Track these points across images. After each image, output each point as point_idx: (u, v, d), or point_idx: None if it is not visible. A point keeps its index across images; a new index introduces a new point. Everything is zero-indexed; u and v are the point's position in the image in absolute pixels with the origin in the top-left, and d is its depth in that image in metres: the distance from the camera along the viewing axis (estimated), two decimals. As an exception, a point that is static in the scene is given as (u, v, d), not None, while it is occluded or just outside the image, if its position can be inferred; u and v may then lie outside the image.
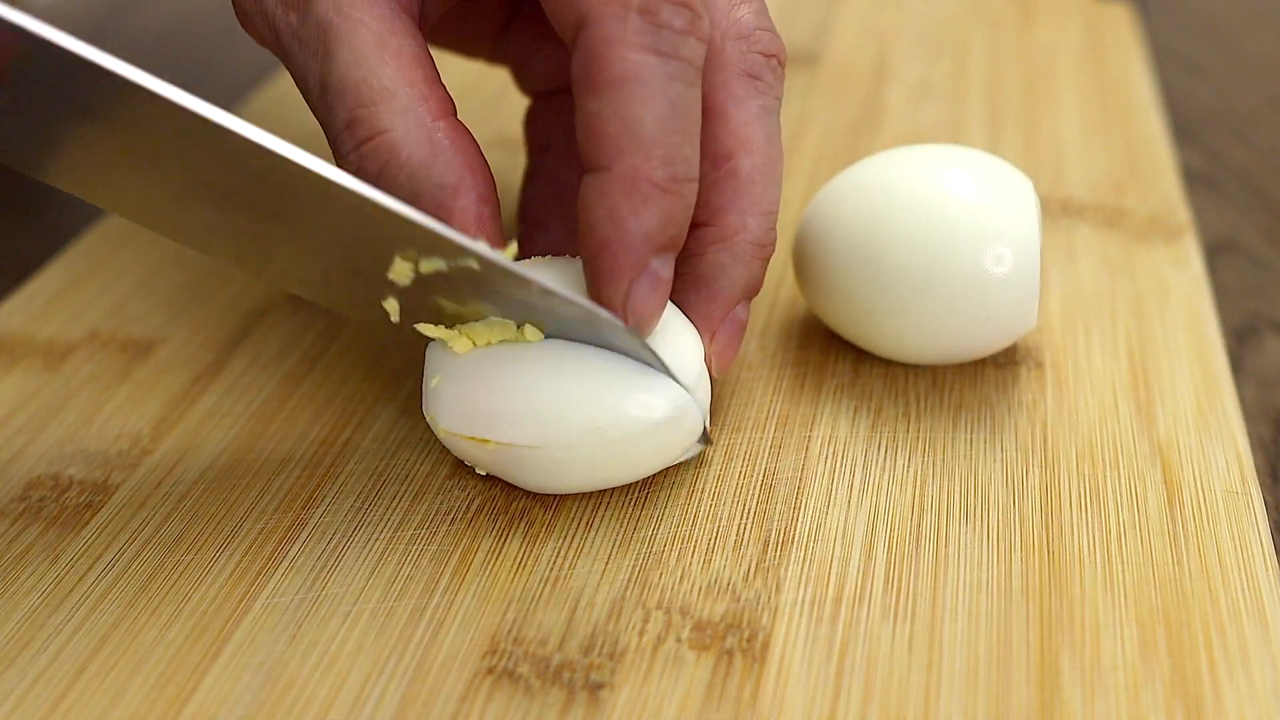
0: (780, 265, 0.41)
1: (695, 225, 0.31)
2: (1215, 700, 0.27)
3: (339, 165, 0.30)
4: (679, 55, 0.28)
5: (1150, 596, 0.29)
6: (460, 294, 0.29)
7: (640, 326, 0.29)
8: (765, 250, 0.32)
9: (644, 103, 0.27)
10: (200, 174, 0.27)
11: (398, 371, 0.36)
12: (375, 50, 0.29)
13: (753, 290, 0.32)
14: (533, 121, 0.39)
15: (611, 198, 0.28)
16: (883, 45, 0.57)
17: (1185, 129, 0.53)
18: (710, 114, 0.31)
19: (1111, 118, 0.50)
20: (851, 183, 0.35)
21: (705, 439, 0.31)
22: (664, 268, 0.29)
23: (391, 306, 0.30)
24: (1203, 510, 0.31)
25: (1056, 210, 0.44)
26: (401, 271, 0.29)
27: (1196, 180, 0.49)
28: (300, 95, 0.53)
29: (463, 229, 0.29)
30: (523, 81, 0.40)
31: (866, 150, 0.48)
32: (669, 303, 0.31)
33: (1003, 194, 0.33)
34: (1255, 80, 0.58)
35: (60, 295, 0.41)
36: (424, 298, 0.29)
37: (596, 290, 0.29)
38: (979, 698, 0.27)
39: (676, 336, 0.31)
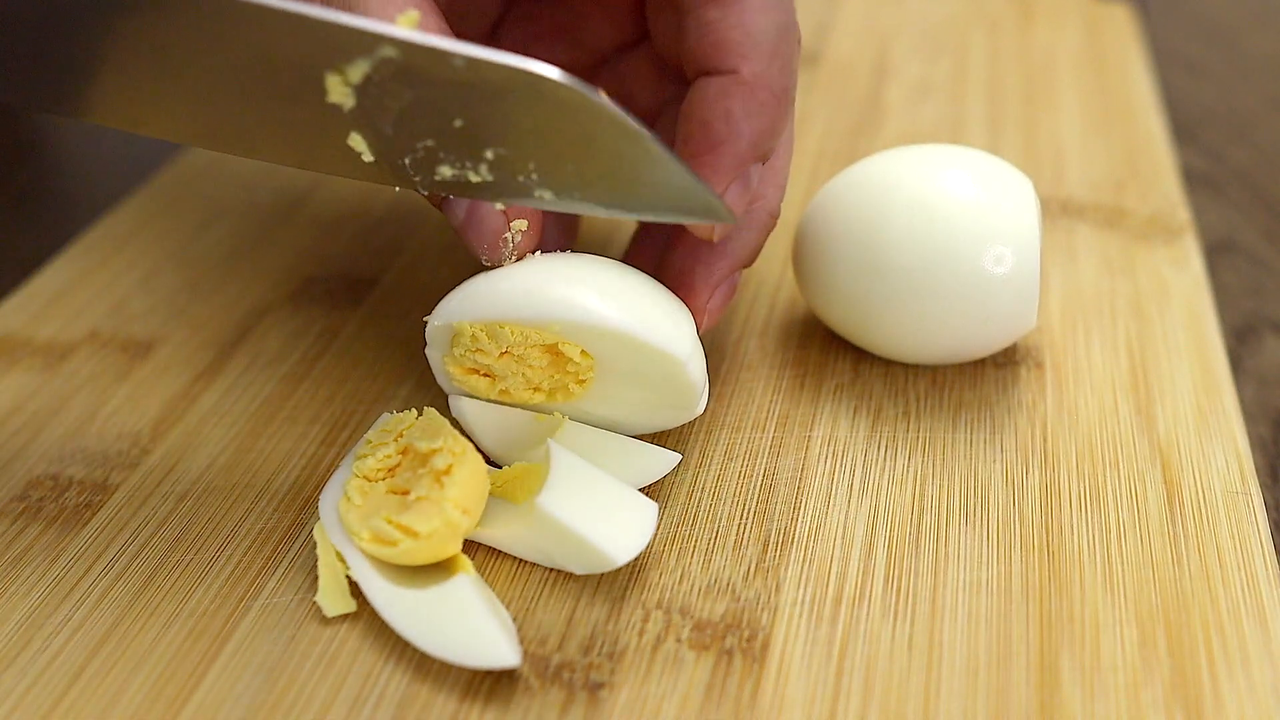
0: (780, 265, 0.41)
1: None
2: (1215, 700, 0.27)
3: None
4: None
5: (1150, 596, 0.29)
6: (406, 110, 0.27)
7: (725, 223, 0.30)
8: (773, 221, 0.33)
9: (765, 12, 0.29)
10: (140, 40, 0.27)
11: (398, 371, 0.36)
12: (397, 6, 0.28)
13: (752, 258, 0.33)
14: None
15: (731, 98, 0.29)
16: (883, 45, 0.57)
17: (1185, 129, 0.52)
18: None
19: (1111, 118, 0.50)
20: (851, 183, 0.35)
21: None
22: (755, 177, 0.30)
23: (357, 143, 0.28)
24: (1203, 510, 0.31)
25: (1056, 210, 0.44)
26: (337, 90, 0.27)
27: (1196, 180, 0.49)
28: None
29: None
30: None
31: (866, 150, 0.48)
32: (660, 285, 0.32)
33: (1003, 194, 0.33)
34: (1255, 80, 0.58)
35: (60, 295, 0.41)
36: (380, 129, 0.28)
37: None
38: (979, 698, 0.27)
39: (674, 312, 0.31)
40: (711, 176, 0.29)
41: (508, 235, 0.30)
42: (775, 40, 0.29)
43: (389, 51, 0.26)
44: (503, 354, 0.31)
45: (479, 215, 0.30)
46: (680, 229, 0.33)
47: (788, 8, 0.29)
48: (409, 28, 0.26)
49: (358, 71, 0.26)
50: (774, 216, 0.33)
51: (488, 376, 0.32)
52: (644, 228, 0.36)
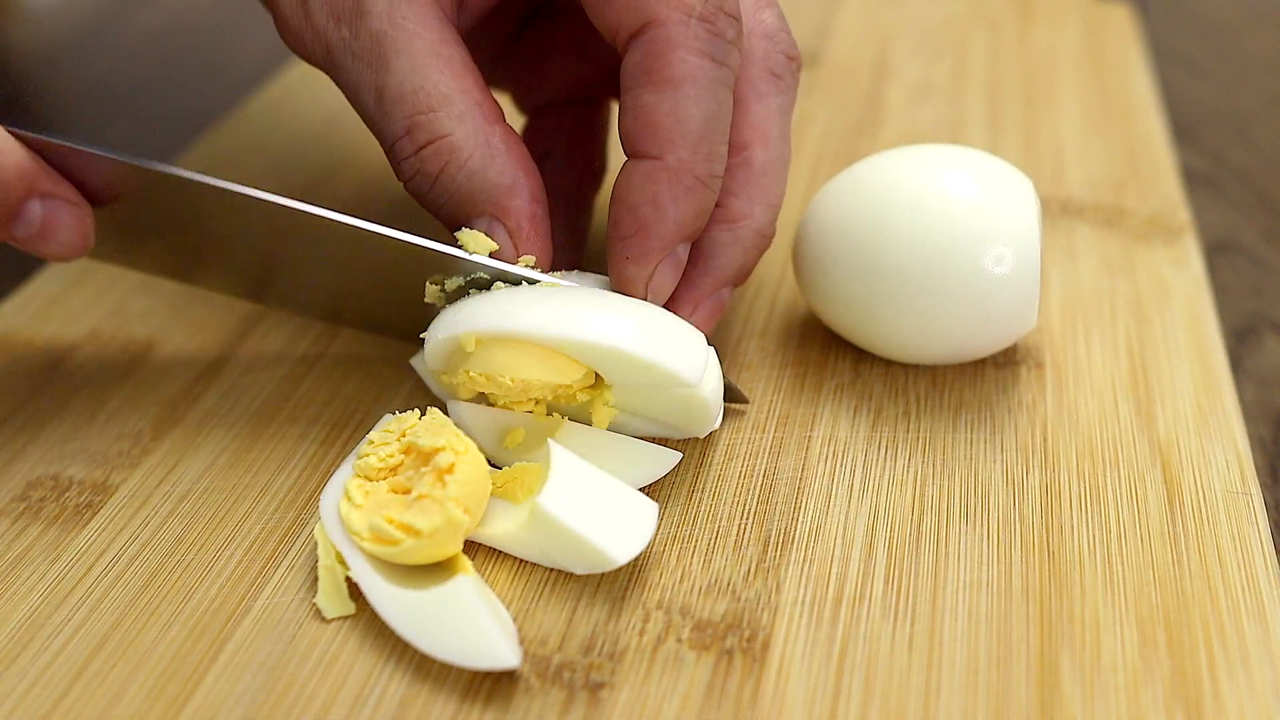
0: (780, 265, 0.41)
1: None
2: (1215, 700, 0.27)
3: (396, 170, 0.32)
4: (727, 63, 0.30)
5: (1150, 596, 0.29)
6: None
7: (655, 302, 0.32)
8: (765, 240, 0.33)
9: (696, 102, 0.30)
10: (258, 246, 0.33)
11: (398, 372, 0.36)
12: (430, 59, 0.30)
13: (743, 276, 0.34)
14: (531, 134, 0.40)
15: (657, 184, 0.30)
16: (883, 45, 0.57)
17: (1185, 129, 0.52)
18: (733, 104, 0.32)
19: (1111, 118, 0.50)
20: (851, 183, 0.35)
21: (740, 398, 0.35)
22: (684, 253, 0.32)
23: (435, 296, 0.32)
24: (1203, 510, 0.31)
25: (1056, 210, 0.44)
26: (433, 294, 0.32)
27: (1196, 180, 0.49)
28: (303, 99, 0.53)
29: (517, 225, 0.31)
30: (522, 99, 0.40)
31: (866, 150, 0.48)
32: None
33: (1003, 194, 0.33)
34: (1255, 80, 0.58)
35: (60, 295, 0.41)
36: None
37: (622, 265, 0.31)
38: (979, 698, 0.27)
39: (686, 332, 0.31)
40: (641, 258, 0.31)
41: None
42: (702, 129, 0.30)
43: (482, 273, 0.31)
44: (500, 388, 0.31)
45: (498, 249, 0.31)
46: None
47: (721, 99, 0.30)
48: (484, 254, 0.31)
49: (454, 283, 0.32)
50: (763, 235, 0.33)
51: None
52: None
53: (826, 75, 0.54)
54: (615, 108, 0.41)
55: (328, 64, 0.32)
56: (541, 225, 0.32)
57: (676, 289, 0.33)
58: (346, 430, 0.34)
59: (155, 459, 0.34)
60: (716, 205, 0.32)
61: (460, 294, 0.32)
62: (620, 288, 0.32)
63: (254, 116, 0.52)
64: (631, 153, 0.30)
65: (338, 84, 0.32)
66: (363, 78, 0.31)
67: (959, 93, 0.52)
